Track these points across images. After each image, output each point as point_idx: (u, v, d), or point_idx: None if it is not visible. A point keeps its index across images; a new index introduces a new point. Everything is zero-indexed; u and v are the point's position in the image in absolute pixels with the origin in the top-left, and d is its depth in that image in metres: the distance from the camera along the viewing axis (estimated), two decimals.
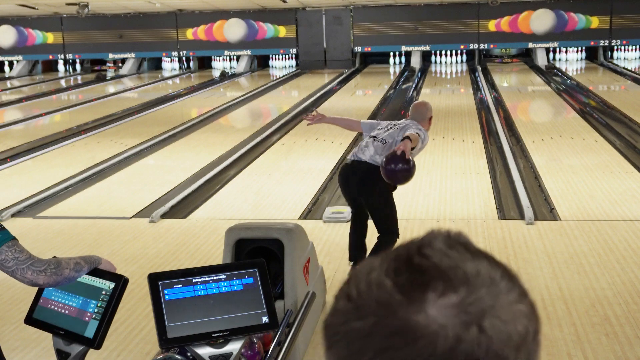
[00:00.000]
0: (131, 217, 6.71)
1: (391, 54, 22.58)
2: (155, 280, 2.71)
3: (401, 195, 7.40)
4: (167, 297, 2.68)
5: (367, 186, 4.99)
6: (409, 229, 6.15)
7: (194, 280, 2.72)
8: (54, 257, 2.64)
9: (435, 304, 0.61)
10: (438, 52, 22.39)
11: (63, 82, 21.92)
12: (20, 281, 2.60)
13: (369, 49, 22.40)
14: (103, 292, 2.68)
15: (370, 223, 5.21)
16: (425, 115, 5.24)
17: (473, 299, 0.62)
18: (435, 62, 22.29)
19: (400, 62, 22.43)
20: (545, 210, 6.69)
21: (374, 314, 0.62)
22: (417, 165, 8.91)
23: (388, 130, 5.16)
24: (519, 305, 0.64)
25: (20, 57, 23.80)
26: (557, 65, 20.96)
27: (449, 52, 22.37)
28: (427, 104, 5.36)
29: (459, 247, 0.67)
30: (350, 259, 5.28)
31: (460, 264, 0.64)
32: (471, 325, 0.61)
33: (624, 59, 21.65)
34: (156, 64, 23.82)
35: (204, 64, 23.53)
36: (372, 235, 5.24)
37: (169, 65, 23.57)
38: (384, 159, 4.78)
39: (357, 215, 5.22)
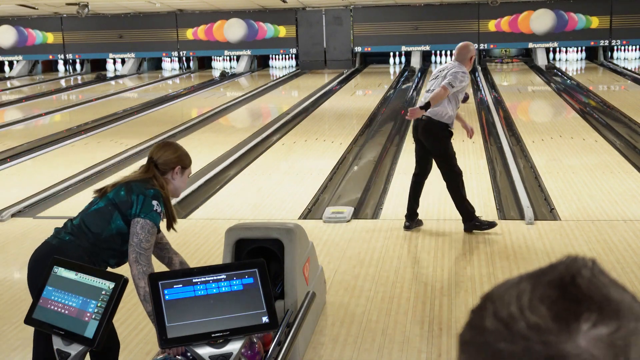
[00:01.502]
0: None
1: (391, 54, 22.58)
2: (156, 280, 2.71)
3: (401, 195, 7.41)
4: (167, 297, 2.68)
5: (427, 136, 5.99)
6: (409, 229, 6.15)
7: (194, 280, 2.72)
8: (152, 273, 2.93)
9: (587, 335, 0.62)
10: (438, 52, 22.38)
11: (63, 82, 21.92)
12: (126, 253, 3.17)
13: (369, 49, 22.39)
14: (103, 292, 2.68)
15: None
16: (466, 56, 5.94)
17: (622, 332, 0.63)
18: (435, 62, 22.29)
19: (400, 62, 22.43)
20: (545, 210, 6.69)
21: (525, 339, 0.63)
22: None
23: (436, 78, 5.98)
24: None
25: (20, 57, 23.80)
26: (557, 65, 20.96)
27: (449, 52, 22.35)
28: (468, 45, 6.04)
29: (603, 277, 0.68)
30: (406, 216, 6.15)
31: (609, 296, 0.65)
32: (619, 356, 0.62)
33: (624, 59, 21.64)
34: (156, 64, 23.82)
35: (204, 64, 23.53)
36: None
37: (169, 65, 23.56)
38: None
39: (416, 170, 6.20)
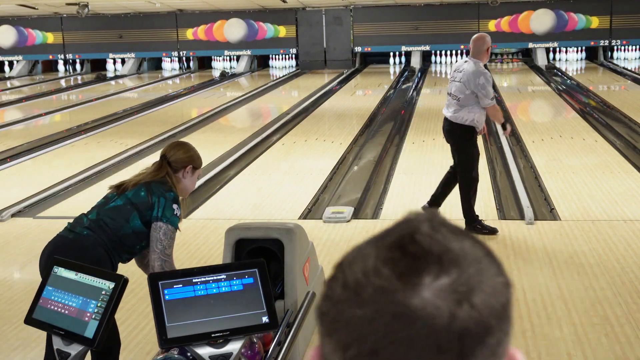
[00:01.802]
0: None
1: (391, 54, 22.58)
2: (156, 280, 2.71)
3: (401, 195, 7.41)
4: (167, 297, 2.68)
5: (449, 139, 6.10)
6: None
7: (194, 280, 2.72)
8: (152, 272, 2.99)
9: (430, 287, 0.66)
10: (438, 52, 22.39)
11: (63, 82, 21.92)
12: (149, 260, 3.25)
13: (369, 49, 22.39)
14: (103, 292, 2.68)
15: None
16: (481, 49, 5.86)
17: (463, 278, 0.67)
18: (435, 62, 22.29)
19: (400, 62, 22.43)
20: (545, 210, 6.69)
21: (373, 301, 0.66)
22: (418, 167, 8.92)
23: (454, 81, 5.99)
24: (499, 278, 0.70)
25: (20, 57, 23.80)
26: (557, 65, 20.95)
27: (449, 52, 22.37)
28: (484, 37, 5.93)
29: (444, 229, 0.71)
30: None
31: (449, 247, 0.69)
32: (463, 302, 0.66)
33: (624, 59, 21.64)
34: (156, 64, 23.81)
35: (204, 64, 23.52)
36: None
37: (169, 65, 23.56)
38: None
39: (453, 165, 6.20)
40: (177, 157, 3.48)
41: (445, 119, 6.04)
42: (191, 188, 3.58)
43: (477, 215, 6.00)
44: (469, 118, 5.84)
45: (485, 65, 5.97)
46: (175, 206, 3.32)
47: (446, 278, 0.66)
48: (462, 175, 5.98)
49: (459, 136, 5.94)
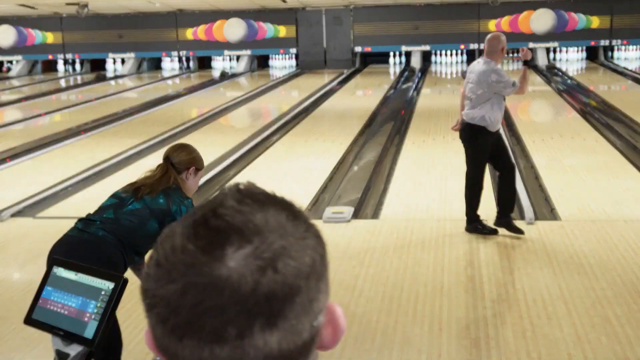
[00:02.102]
0: None
1: (391, 54, 22.58)
2: None
3: (401, 195, 7.41)
4: None
5: (460, 137, 6.01)
6: (409, 229, 6.15)
7: None
8: None
9: (233, 257, 0.70)
10: (438, 52, 22.39)
11: (63, 82, 21.92)
12: None
13: (369, 49, 22.39)
14: (103, 293, 2.68)
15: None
16: (496, 48, 5.82)
17: (265, 245, 0.71)
18: (435, 62, 22.28)
19: (400, 62, 22.42)
20: (545, 210, 6.69)
21: (183, 276, 0.70)
22: (418, 167, 8.91)
23: (468, 82, 5.97)
24: (305, 240, 0.74)
25: (19, 57, 23.79)
26: (558, 65, 20.96)
27: (449, 52, 22.37)
28: (499, 36, 5.85)
29: (248, 200, 0.75)
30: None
31: (250, 217, 0.73)
32: (266, 268, 0.70)
33: (625, 58, 21.64)
34: (156, 64, 23.81)
35: (204, 64, 23.52)
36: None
37: (169, 65, 23.56)
38: None
39: (497, 171, 6.15)
40: (181, 159, 3.53)
41: (462, 119, 6.01)
42: (194, 189, 3.63)
43: (478, 216, 5.99)
44: (478, 115, 5.79)
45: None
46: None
47: (249, 247, 0.70)
48: (466, 175, 6.01)
49: (468, 135, 5.91)
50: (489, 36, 5.91)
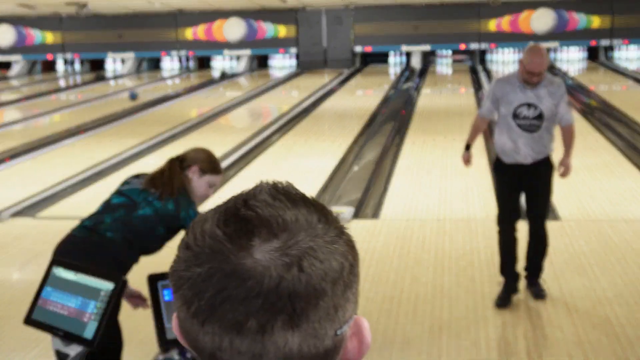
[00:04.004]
0: None
1: (391, 54, 22.57)
2: (155, 280, 2.70)
3: (401, 195, 7.40)
4: (166, 297, 2.67)
5: None
6: (409, 229, 6.14)
7: None
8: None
9: (260, 249, 0.71)
10: (438, 52, 22.43)
11: (62, 82, 21.91)
12: None
13: (369, 49, 22.38)
14: (102, 293, 2.67)
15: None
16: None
17: (292, 242, 0.71)
18: (435, 62, 22.27)
19: (400, 62, 22.42)
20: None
21: (209, 261, 0.72)
22: (418, 167, 8.90)
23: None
24: (335, 245, 0.73)
25: (19, 57, 23.78)
26: (558, 65, 20.95)
27: (449, 52, 22.39)
28: (525, 49, 4.66)
29: (282, 197, 0.75)
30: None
31: (280, 213, 0.73)
32: (292, 265, 0.70)
33: (625, 58, 21.63)
34: (156, 64, 23.81)
35: (204, 63, 23.51)
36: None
37: (169, 65, 23.55)
38: None
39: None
40: (190, 156, 3.48)
41: None
42: (199, 193, 3.44)
43: (514, 275, 4.71)
44: (495, 142, 4.75)
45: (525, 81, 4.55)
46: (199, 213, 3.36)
47: (276, 241, 0.71)
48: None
49: (493, 165, 4.97)
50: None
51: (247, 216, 0.73)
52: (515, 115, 4.59)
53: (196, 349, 0.74)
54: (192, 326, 0.73)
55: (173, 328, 0.78)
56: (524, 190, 4.67)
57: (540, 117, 4.55)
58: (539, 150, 4.61)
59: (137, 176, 3.52)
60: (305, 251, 0.71)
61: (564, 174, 4.85)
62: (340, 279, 0.72)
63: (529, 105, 4.56)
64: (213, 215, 0.75)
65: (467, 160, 4.96)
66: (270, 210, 0.73)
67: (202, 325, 0.72)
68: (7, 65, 23.97)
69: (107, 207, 3.39)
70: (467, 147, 4.95)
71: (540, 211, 4.69)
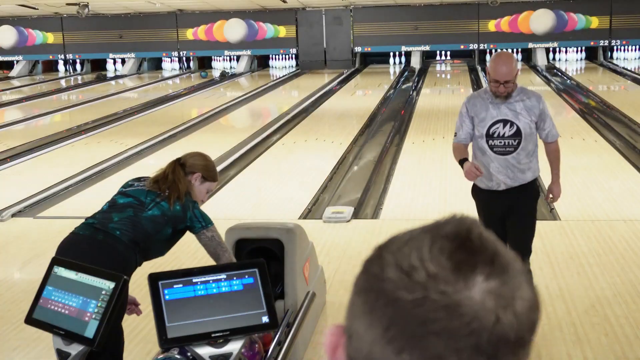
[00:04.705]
0: None
1: (391, 54, 22.58)
2: (156, 280, 2.71)
3: (401, 195, 7.41)
4: (167, 297, 2.68)
5: None
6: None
7: (194, 280, 2.72)
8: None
9: (480, 286, 0.67)
10: (438, 52, 22.42)
11: (63, 82, 21.92)
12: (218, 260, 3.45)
13: (369, 49, 22.39)
14: (103, 292, 2.68)
15: None
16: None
17: (510, 285, 0.68)
18: (435, 63, 22.28)
19: (400, 62, 22.43)
20: (545, 210, 6.69)
21: (424, 288, 0.67)
22: (418, 167, 8.89)
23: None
24: (534, 296, 0.71)
25: (20, 57, 23.79)
26: (557, 65, 20.96)
27: (449, 53, 22.38)
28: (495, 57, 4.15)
29: (490, 235, 0.72)
30: None
31: (499, 251, 0.70)
32: (508, 308, 0.67)
33: (624, 59, 21.64)
34: (156, 64, 23.82)
35: (204, 64, 23.52)
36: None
37: (169, 65, 23.56)
38: None
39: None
40: (192, 162, 3.54)
41: None
42: (198, 199, 3.55)
43: None
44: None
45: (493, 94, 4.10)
46: (202, 212, 3.47)
47: (496, 281, 0.67)
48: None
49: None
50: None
51: (472, 248, 0.69)
52: (489, 135, 4.09)
53: None
54: (383, 351, 0.67)
55: (326, 346, 0.73)
56: (503, 220, 4.17)
57: (517, 134, 4.09)
58: (514, 177, 4.13)
59: (138, 179, 3.55)
60: (518, 297, 0.68)
61: (552, 202, 4.52)
62: (534, 331, 0.70)
63: (505, 122, 4.08)
64: (430, 238, 0.70)
65: (472, 172, 4.06)
66: (491, 247, 0.70)
67: (397, 354, 0.66)
68: (9, 66, 23.98)
69: (113, 206, 3.39)
70: (463, 161, 4.16)
71: (520, 248, 4.03)
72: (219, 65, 23.23)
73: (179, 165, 3.50)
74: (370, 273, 0.71)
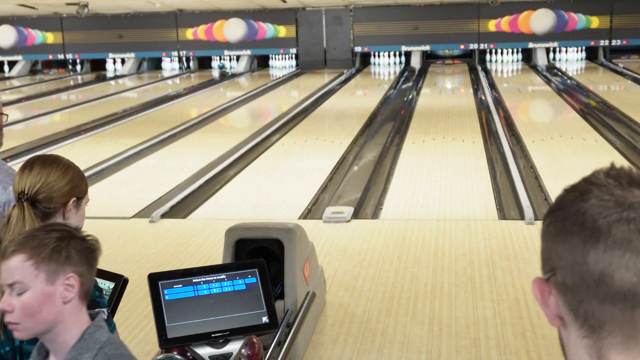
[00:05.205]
0: (131, 217, 6.71)
1: (391, 54, 22.58)
2: (156, 280, 2.71)
3: (401, 195, 7.41)
4: (167, 297, 2.68)
5: None
6: (409, 229, 6.15)
7: (194, 280, 2.72)
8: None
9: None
10: (440, 52, 22.45)
11: (63, 82, 21.91)
12: None
13: (369, 49, 22.40)
14: (103, 292, 2.68)
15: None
16: None
17: None
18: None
19: (400, 62, 22.44)
20: (545, 210, 6.69)
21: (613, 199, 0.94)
22: (418, 167, 8.90)
23: None
24: None
25: (20, 57, 23.80)
26: (557, 65, 20.96)
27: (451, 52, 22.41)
28: None
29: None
30: None
31: None
32: None
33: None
34: (156, 64, 23.82)
35: (204, 63, 23.53)
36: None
37: (169, 65, 23.57)
38: None
39: None
40: (48, 191, 2.20)
41: None
42: (81, 224, 2.27)
43: None
44: None
45: None
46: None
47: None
48: None
49: None
50: None
51: (634, 177, 0.99)
52: None
53: (607, 297, 0.85)
54: (610, 263, 0.85)
55: (550, 308, 0.95)
56: None
57: None
58: None
59: None
60: None
61: None
62: None
63: None
64: (604, 175, 1.03)
65: None
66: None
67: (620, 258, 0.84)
68: (10, 65, 24.01)
69: None
70: None
71: None
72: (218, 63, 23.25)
73: (30, 206, 2.15)
74: (574, 205, 0.95)
